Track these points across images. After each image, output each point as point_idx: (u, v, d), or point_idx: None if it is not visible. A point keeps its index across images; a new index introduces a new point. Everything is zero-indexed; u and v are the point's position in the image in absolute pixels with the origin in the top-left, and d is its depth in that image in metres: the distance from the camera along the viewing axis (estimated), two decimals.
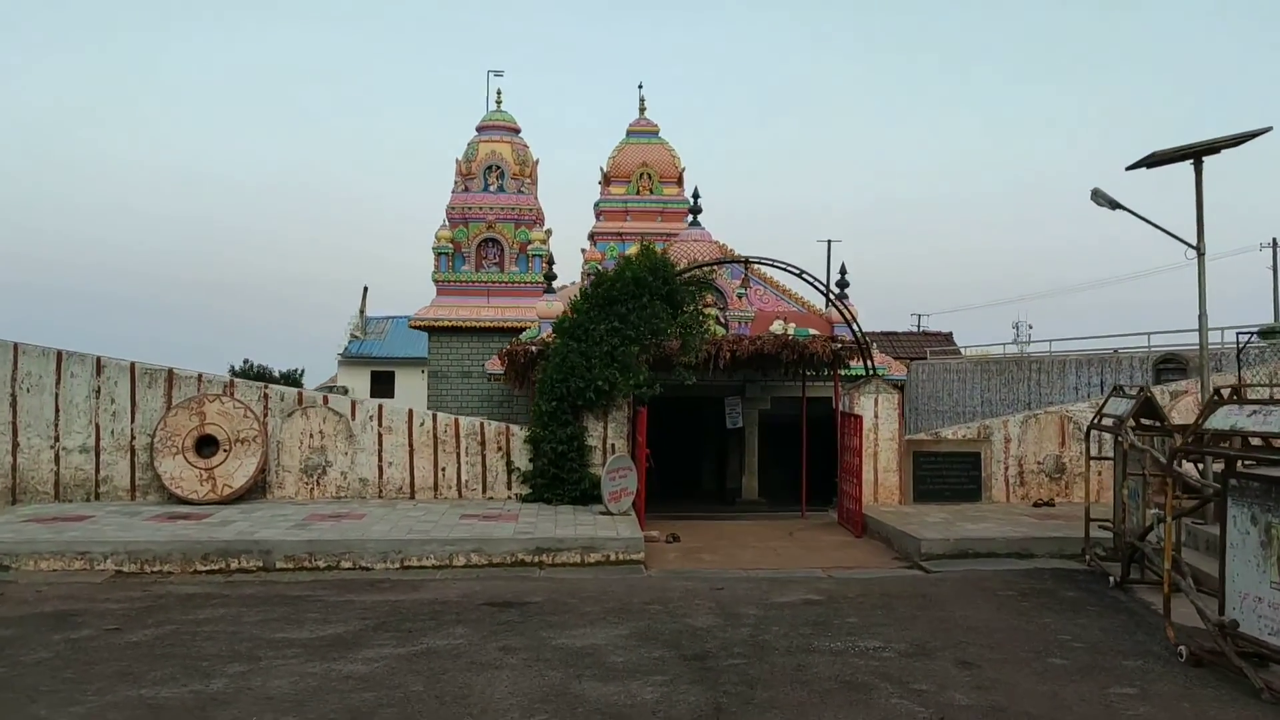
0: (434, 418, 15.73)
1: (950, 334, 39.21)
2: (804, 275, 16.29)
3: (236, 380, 15.57)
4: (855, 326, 17.08)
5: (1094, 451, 12.86)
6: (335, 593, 10.73)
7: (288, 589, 10.94)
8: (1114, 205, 12.86)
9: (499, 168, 34.26)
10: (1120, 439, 11.34)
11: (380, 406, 15.67)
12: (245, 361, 36.02)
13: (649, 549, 13.52)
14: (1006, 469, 16.28)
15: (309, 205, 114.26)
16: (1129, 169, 12.72)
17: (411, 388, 45.15)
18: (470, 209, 33.56)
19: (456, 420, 15.78)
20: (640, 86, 39.12)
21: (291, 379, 37.33)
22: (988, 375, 28.50)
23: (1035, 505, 15.86)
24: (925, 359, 34.39)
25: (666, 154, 36.88)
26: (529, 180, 34.88)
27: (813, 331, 20.72)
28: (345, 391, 46.24)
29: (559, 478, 15.36)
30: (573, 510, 14.75)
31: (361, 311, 48.87)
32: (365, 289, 51.90)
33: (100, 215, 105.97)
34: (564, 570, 12.07)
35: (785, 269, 16.33)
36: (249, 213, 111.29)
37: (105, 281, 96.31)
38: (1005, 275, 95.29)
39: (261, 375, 36.00)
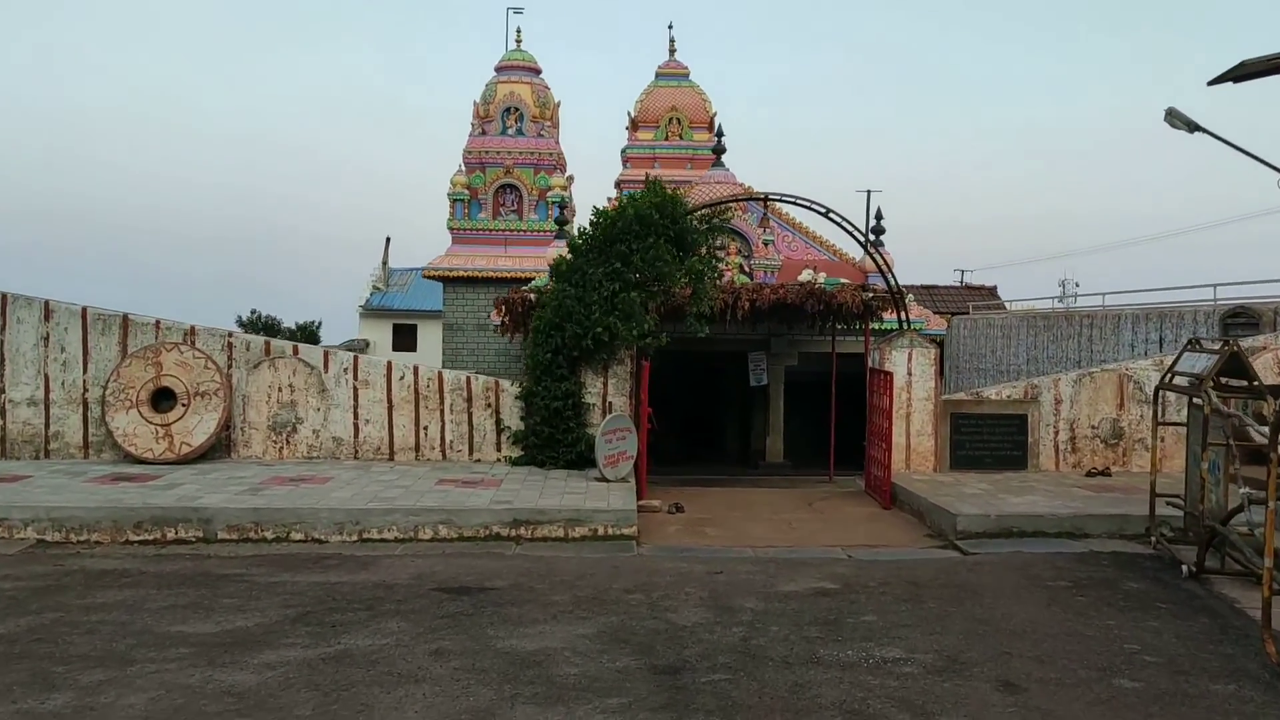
0: (415, 371, 14.15)
1: (995, 288, 36.97)
2: (830, 214, 14.44)
3: (198, 328, 14.06)
4: (890, 276, 15.23)
5: (1161, 415, 11.00)
6: (270, 571, 9.23)
7: (219, 565, 9.47)
8: (1193, 127, 10.91)
9: (518, 110, 32.46)
10: (1199, 401, 9.50)
11: (355, 358, 14.12)
12: (253, 312, 34.74)
13: (647, 521, 11.92)
14: (1056, 434, 14.44)
15: (330, 156, 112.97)
16: (1212, 83, 10.75)
17: (434, 341, 43.65)
18: (487, 153, 31.84)
19: (440, 374, 14.20)
20: (670, 26, 36.87)
21: (308, 332, 36.00)
22: (1034, 331, 26.47)
23: (1088, 475, 14.03)
24: (967, 314, 32.34)
25: (697, 97, 34.90)
26: (550, 124, 33.06)
27: (844, 281, 18.90)
28: (366, 345, 45.01)
29: (553, 438, 13.76)
30: (566, 476, 13.15)
31: (384, 263, 47.44)
32: (388, 240, 50.64)
33: (116, 174, 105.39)
34: (543, 546, 10.50)
35: (810, 207, 14.49)
36: (266, 167, 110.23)
37: (115, 238, 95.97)
38: (1054, 230, 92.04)
39: (270, 327, 34.69)
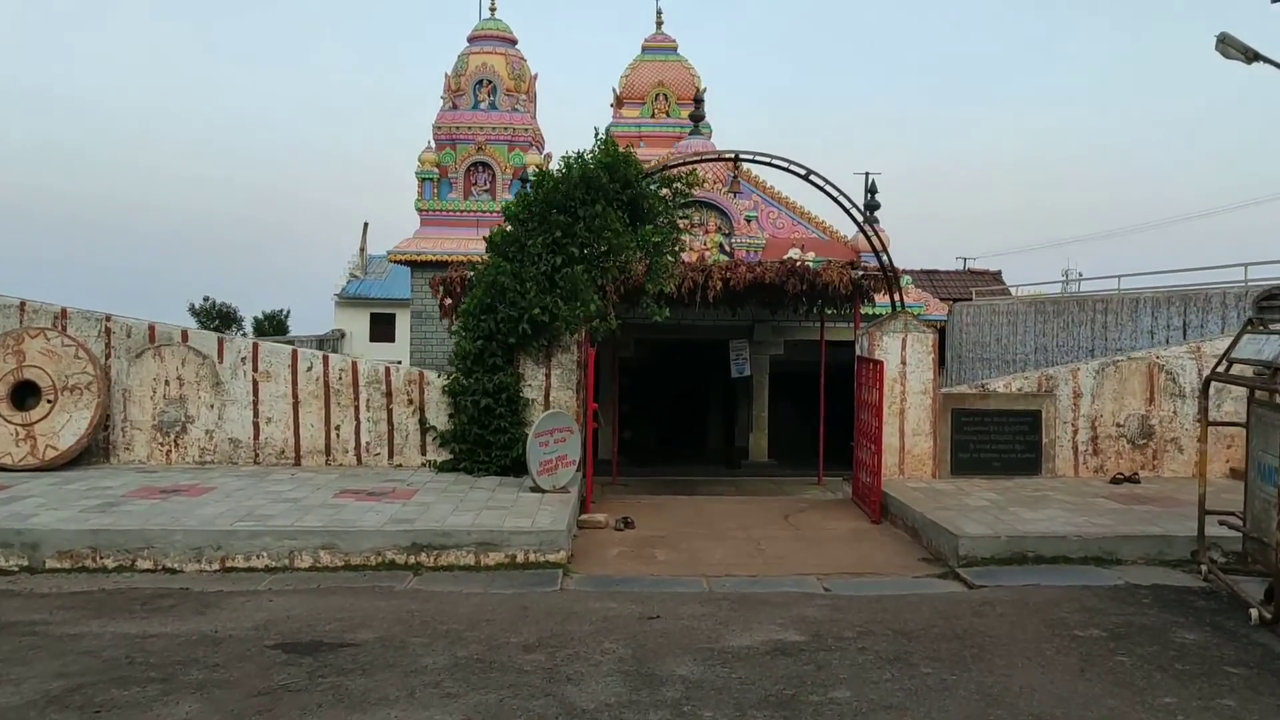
0: (325, 361, 12.05)
1: (999, 272, 34.81)
2: (811, 177, 12.34)
3: (71, 310, 11.96)
4: (884, 254, 13.10)
5: (1198, 411, 8.88)
6: (77, 616, 7.18)
7: (19, 607, 7.41)
8: (1251, 56, 8.77)
9: (490, 82, 30.18)
10: (1261, 396, 7.41)
11: (255, 345, 12.03)
12: (206, 299, 32.28)
13: (586, 542, 9.86)
14: (1075, 432, 12.34)
15: (304, 134, 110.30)
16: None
17: None
18: (458, 129, 29.59)
19: (354, 364, 12.10)
20: None
21: (276, 321, 33.74)
22: (1043, 317, 24.33)
23: (1113, 481, 11.93)
24: (970, 300, 30.19)
25: (685, 72, 32.76)
26: (525, 97, 30.79)
27: (832, 260, 16.78)
28: (342, 336, 42.92)
29: (483, 440, 11.68)
30: (496, 485, 11.07)
31: (361, 250, 45.27)
32: (365, 225, 48.16)
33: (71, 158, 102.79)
34: (446, 578, 8.44)
35: (788, 168, 12.38)
36: (233, 149, 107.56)
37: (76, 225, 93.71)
38: (1057, 218, 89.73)
39: (224, 316, 32.49)
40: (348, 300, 43.13)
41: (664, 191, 12.24)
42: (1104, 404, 12.40)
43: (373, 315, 43.22)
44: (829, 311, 17.91)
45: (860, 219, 12.76)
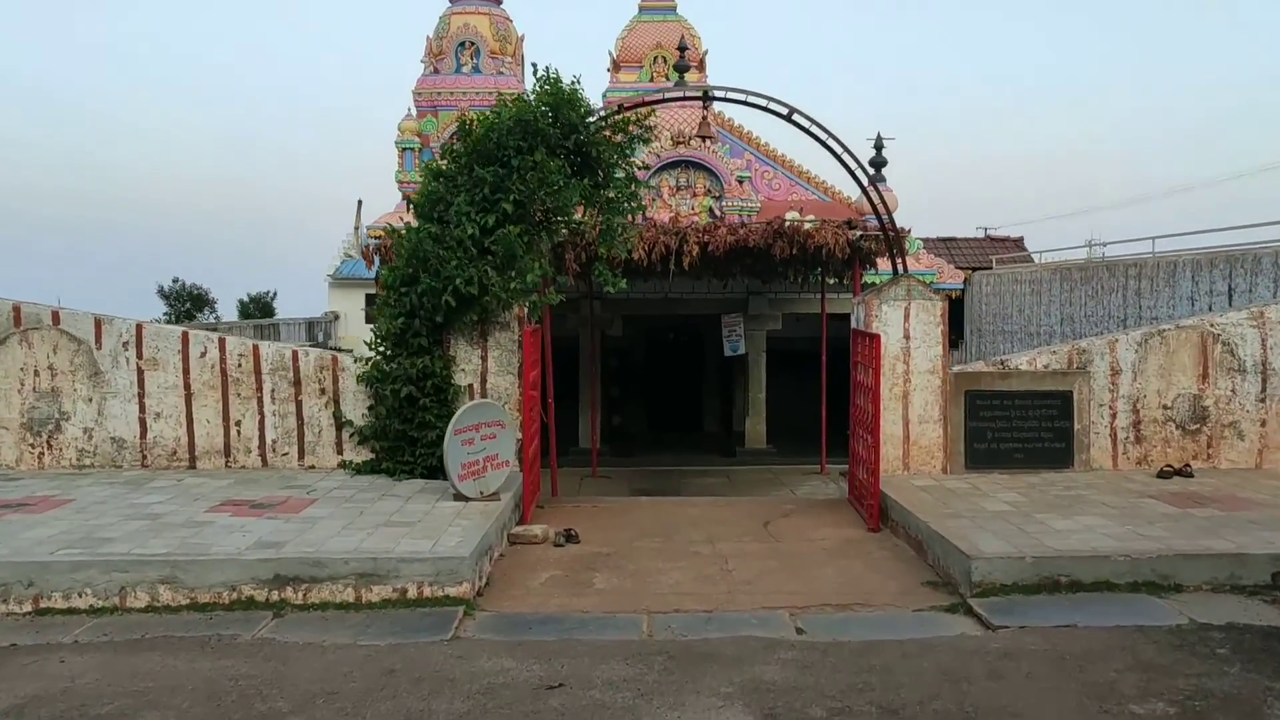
0: (221, 345, 10.15)
1: (1021, 239, 32.45)
2: (795, 117, 10.31)
3: None
4: (885, 214, 11.03)
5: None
6: None
7: None
8: None
9: (473, 44, 28.07)
10: None
11: (139, 328, 10.14)
12: (175, 281, 30.26)
13: (514, 563, 7.98)
14: (1114, 417, 10.30)
15: (294, 106, 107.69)
16: None
17: None
18: (440, 94, 27.52)
19: (256, 348, 10.19)
20: None
21: (261, 303, 31.76)
22: (1069, 285, 22.16)
23: (1161, 475, 9.89)
24: (990, 269, 27.99)
25: (685, 33, 30.63)
26: (511, 59, 28.71)
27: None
28: (336, 318, 41.16)
29: (406, 437, 9.77)
30: (416, 492, 9.17)
31: (356, 228, 43.35)
32: (359, 203, 46.28)
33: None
34: (312, 621, 6.55)
35: (766, 108, 10.35)
36: (225, 123, 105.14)
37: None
38: (1082, 183, 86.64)
39: (196, 298, 30.53)
40: (341, 281, 41.32)
41: (617, 137, 10.20)
42: (1148, 382, 10.34)
43: (367, 296, 41.28)
44: (830, 281, 15.97)
45: (853, 165, 10.64)
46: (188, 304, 28.82)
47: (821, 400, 14.94)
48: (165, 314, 28.64)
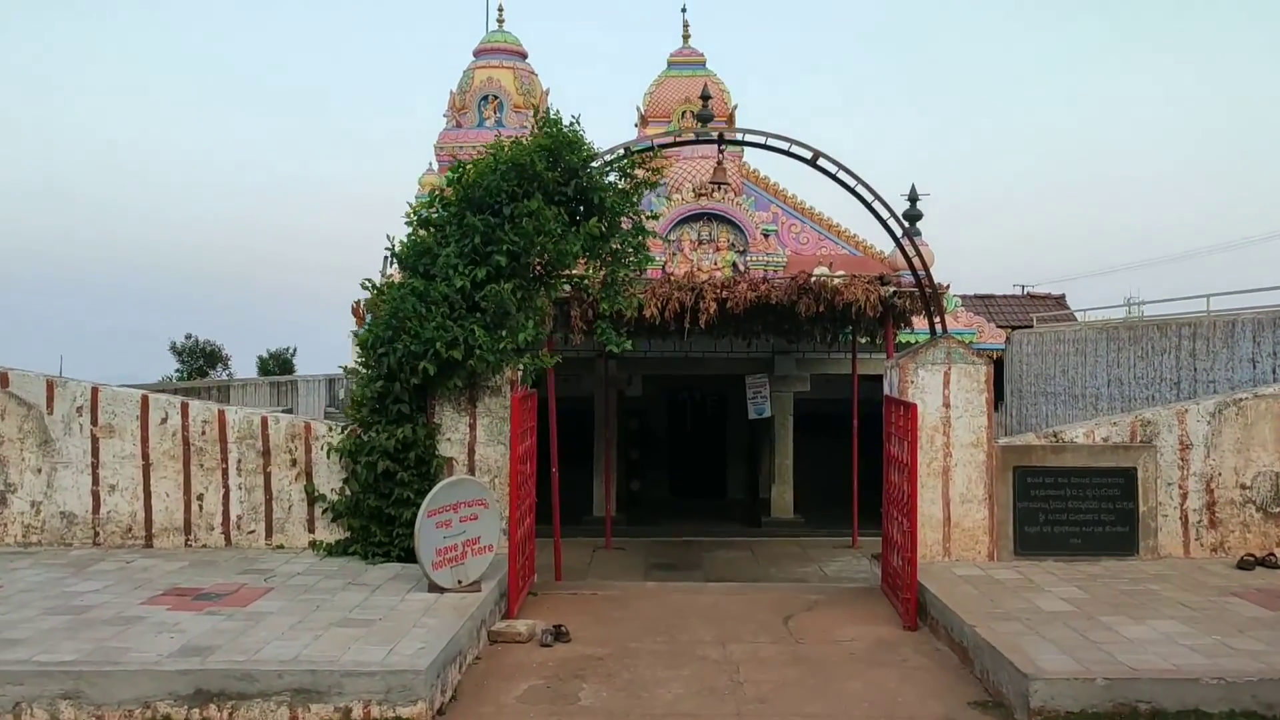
0: (183, 410, 9.18)
1: (1063, 296, 31.18)
2: (820, 161, 9.28)
3: None
4: (921, 269, 9.96)
5: None
6: None
7: None
8: None
9: (496, 98, 27.42)
10: None
11: (94, 391, 9.18)
12: (188, 337, 29.47)
13: (490, 668, 6.88)
14: (1184, 498, 9.06)
15: (322, 178, 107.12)
16: None
17: None
18: (461, 148, 26.70)
19: (221, 413, 9.20)
20: (684, 10, 31.86)
21: (281, 360, 30.97)
22: (1117, 345, 20.81)
23: (1242, 566, 8.64)
24: (1031, 327, 26.68)
25: (714, 88, 29.92)
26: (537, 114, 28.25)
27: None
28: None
29: (382, 515, 8.71)
30: (389, 579, 8.10)
31: (383, 278, 42.75)
32: (387, 254, 45.81)
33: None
34: None
35: (789, 152, 9.39)
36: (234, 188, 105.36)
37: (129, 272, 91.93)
38: (1122, 242, 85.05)
39: (210, 355, 29.76)
40: None
41: (623, 183, 9.23)
42: (1223, 458, 9.10)
43: None
44: (862, 340, 14.88)
45: (885, 215, 9.59)
46: (200, 361, 28.12)
47: (853, 467, 13.83)
48: (177, 371, 27.95)
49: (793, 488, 17.11)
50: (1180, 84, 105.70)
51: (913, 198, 17.70)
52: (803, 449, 17.41)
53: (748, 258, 16.89)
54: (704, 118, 16.75)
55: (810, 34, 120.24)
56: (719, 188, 14.87)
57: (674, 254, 17.02)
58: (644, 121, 31.51)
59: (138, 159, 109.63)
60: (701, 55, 32.66)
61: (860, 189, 9.56)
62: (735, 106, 29.48)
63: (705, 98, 17.70)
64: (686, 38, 32.86)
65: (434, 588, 7.63)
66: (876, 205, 9.58)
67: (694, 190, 16.92)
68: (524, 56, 29.20)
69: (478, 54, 28.87)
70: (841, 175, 9.47)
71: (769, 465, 17.50)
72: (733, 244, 17.10)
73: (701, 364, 17.23)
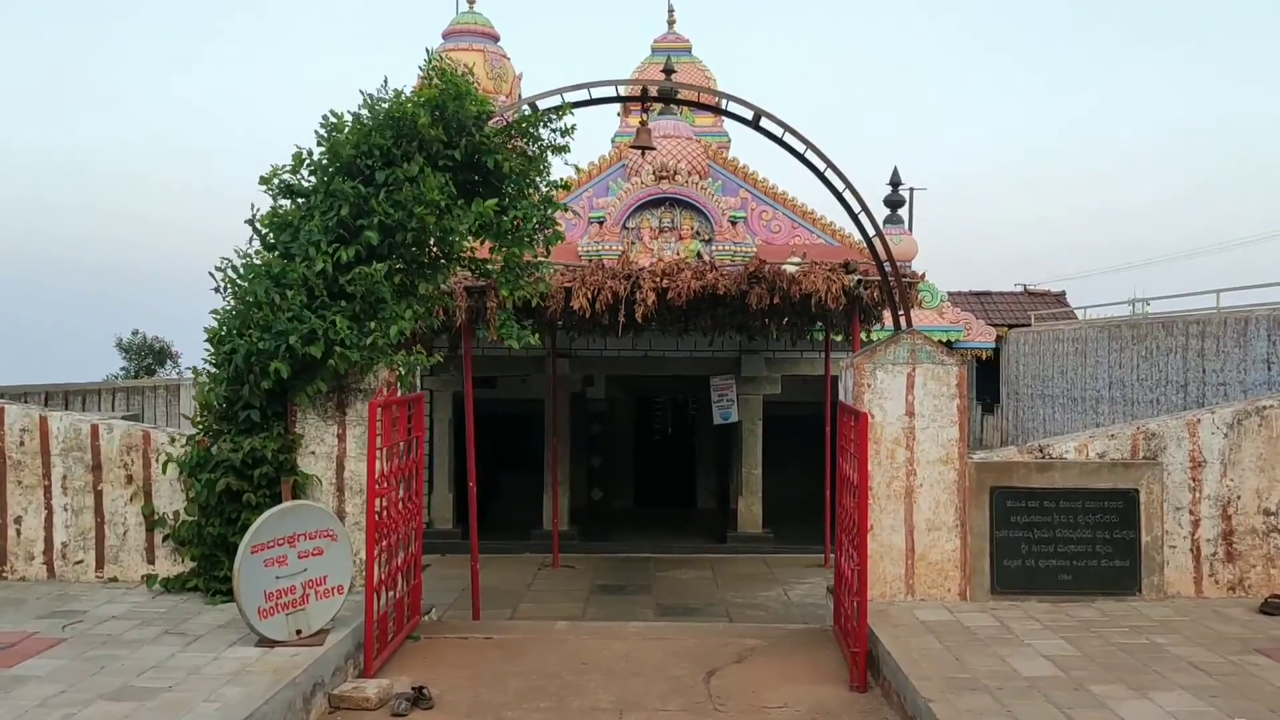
0: None
1: (1063, 293, 29.62)
2: (763, 123, 7.79)
3: None
4: (884, 254, 8.44)
5: None
6: None
7: None
8: None
9: None
10: None
11: None
12: (135, 333, 27.81)
13: None
14: (1196, 526, 7.55)
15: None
16: None
17: None
18: None
19: (44, 420, 7.70)
20: None
21: (154, 350, 28.94)
22: (1119, 345, 19.31)
23: (1266, 609, 7.15)
24: (1028, 325, 25.23)
25: (700, 76, 28.16)
26: (506, 98, 26.73)
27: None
28: None
29: (226, 545, 7.19)
30: (217, 627, 6.62)
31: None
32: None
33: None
34: None
35: (724, 110, 7.95)
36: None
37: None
38: (1127, 237, 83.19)
39: (158, 353, 28.13)
40: None
41: (518, 144, 7.73)
42: (1243, 477, 7.58)
43: None
44: (838, 338, 13.41)
45: (843, 188, 8.07)
46: (149, 359, 26.65)
47: (826, 479, 12.25)
48: (123, 369, 26.48)
49: (762, 499, 15.60)
50: (1202, 81, 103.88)
51: (894, 182, 16.27)
52: (774, 456, 15.93)
53: (713, 247, 15.39)
54: (665, 91, 15.18)
55: (816, 27, 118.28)
56: (643, 153, 13.36)
57: (633, 242, 15.56)
58: (626, 109, 29.95)
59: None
60: (687, 41, 31.05)
61: (811, 155, 8.04)
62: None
63: (669, 71, 16.17)
64: (671, 23, 31.31)
65: (264, 641, 6.12)
66: (830, 175, 8.05)
67: (654, 173, 15.42)
68: (496, 39, 27.63)
69: (446, 35, 27.28)
70: (788, 139, 7.96)
71: (737, 475, 15.99)
72: (697, 232, 15.62)
73: (664, 363, 15.81)
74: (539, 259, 8.09)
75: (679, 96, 8.43)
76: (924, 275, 13.85)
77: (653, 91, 8.87)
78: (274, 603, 6.15)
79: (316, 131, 7.58)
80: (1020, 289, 32.29)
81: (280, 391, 7.31)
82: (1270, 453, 7.57)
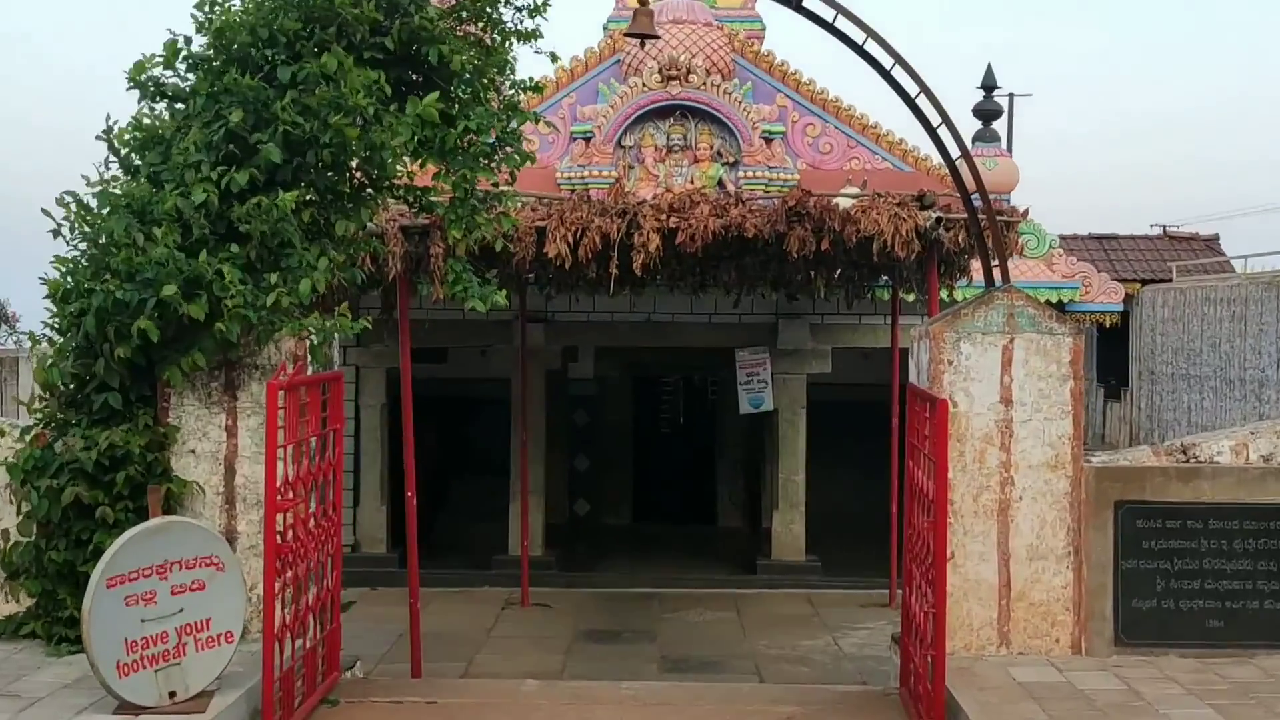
0: None
1: (1215, 237, 30.43)
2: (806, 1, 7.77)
3: None
4: (974, 186, 8.70)
5: None
6: None
7: None
8: None
9: None
10: None
11: None
12: None
13: None
14: None
15: None
16: None
17: None
18: None
19: None
20: None
21: None
22: None
23: None
24: (1169, 281, 25.83)
25: None
26: None
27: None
28: None
29: (74, 576, 7.33)
30: (61, 687, 6.84)
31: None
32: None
33: None
34: None
35: None
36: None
37: None
38: None
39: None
40: None
41: (472, 29, 7.86)
42: None
43: None
44: (909, 297, 13.74)
45: (913, 89, 8.19)
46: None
47: (892, 487, 13.08)
48: None
49: (805, 516, 16.23)
50: None
51: (988, 85, 16.43)
52: (822, 458, 16.77)
53: (740, 173, 15.69)
54: None
55: None
56: (642, 43, 13.57)
57: (631, 166, 15.77)
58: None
59: None
60: None
61: (873, 47, 8.06)
62: None
63: None
64: None
65: (124, 707, 6.23)
66: (898, 73, 8.12)
67: (660, 71, 15.53)
68: None
69: None
70: (842, 24, 8.01)
71: (771, 482, 16.35)
72: (719, 153, 15.93)
73: (672, 333, 16.10)
74: (501, 188, 8.24)
75: None
76: (1027, 212, 14.07)
77: None
78: (138, 654, 6.24)
79: (193, 14, 7.63)
80: (1158, 231, 32.84)
81: (147, 365, 7.45)
82: None
